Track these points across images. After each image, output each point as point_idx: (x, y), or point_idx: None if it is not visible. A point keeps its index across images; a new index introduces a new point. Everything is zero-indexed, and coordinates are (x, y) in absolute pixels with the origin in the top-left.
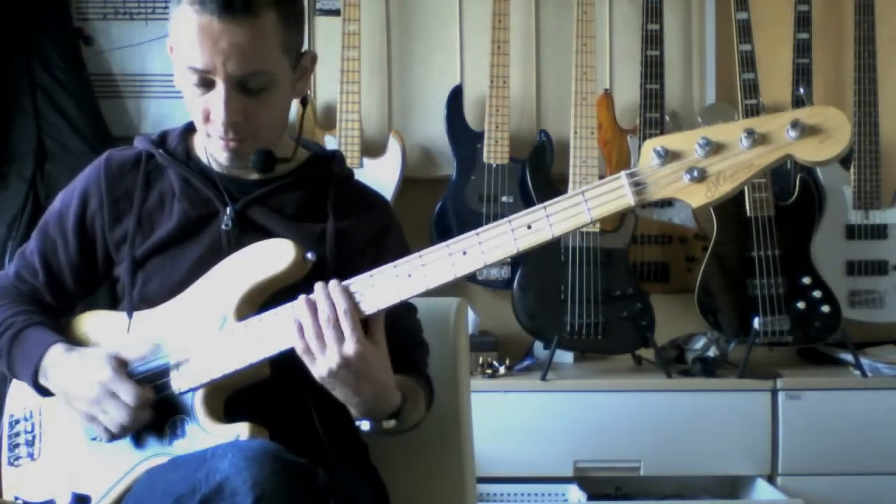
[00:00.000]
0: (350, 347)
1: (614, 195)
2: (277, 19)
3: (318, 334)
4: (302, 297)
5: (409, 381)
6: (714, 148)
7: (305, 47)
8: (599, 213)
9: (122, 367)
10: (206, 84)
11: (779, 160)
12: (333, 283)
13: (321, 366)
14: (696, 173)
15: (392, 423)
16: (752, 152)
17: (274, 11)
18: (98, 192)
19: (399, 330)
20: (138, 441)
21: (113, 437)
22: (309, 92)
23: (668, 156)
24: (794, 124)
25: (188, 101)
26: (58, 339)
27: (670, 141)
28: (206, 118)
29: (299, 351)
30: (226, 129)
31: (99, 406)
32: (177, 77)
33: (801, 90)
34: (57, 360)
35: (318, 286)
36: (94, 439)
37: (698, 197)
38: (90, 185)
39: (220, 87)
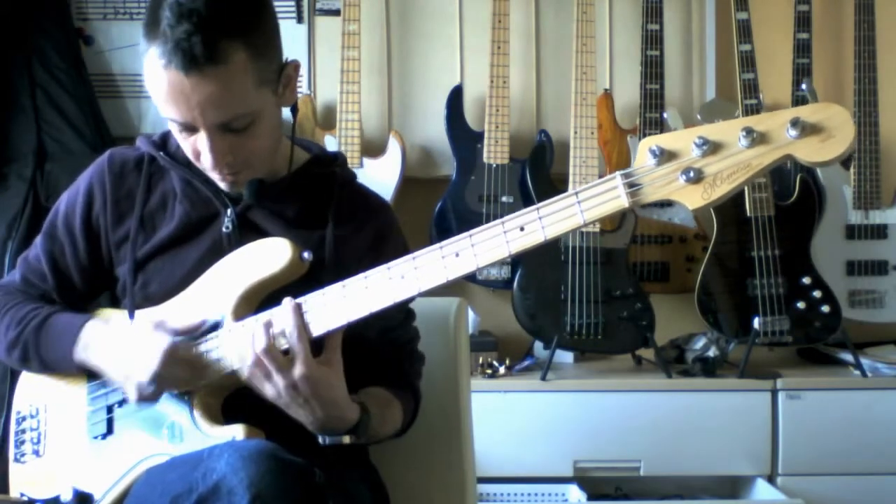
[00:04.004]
0: (297, 371)
1: (608, 196)
2: (248, 58)
3: (257, 362)
4: (247, 321)
5: (384, 395)
6: (711, 147)
7: (286, 56)
8: (593, 215)
9: (160, 325)
10: (189, 129)
11: (778, 160)
12: (286, 302)
13: (268, 389)
14: (692, 174)
15: (350, 438)
16: (750, 152)
17: (242, 51)
18: (102, 192)
19: (390, 340)
20: (138, 441)
21: (146, 397)
22: (310, 92)
23: (664, 155)
24: (795, 123)
25: (177, 138)
26: (92, 315)
27: (666, 140)
28: (197, 157)
29: (244, 377)
30: (218, 169)
31: (138, 362)
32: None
33: (804, 86)
34: (97, 331)
35: (267, 314)
36: (95, 438)
37: (695, 198)
38: (94, 184)
39: (202, 133)
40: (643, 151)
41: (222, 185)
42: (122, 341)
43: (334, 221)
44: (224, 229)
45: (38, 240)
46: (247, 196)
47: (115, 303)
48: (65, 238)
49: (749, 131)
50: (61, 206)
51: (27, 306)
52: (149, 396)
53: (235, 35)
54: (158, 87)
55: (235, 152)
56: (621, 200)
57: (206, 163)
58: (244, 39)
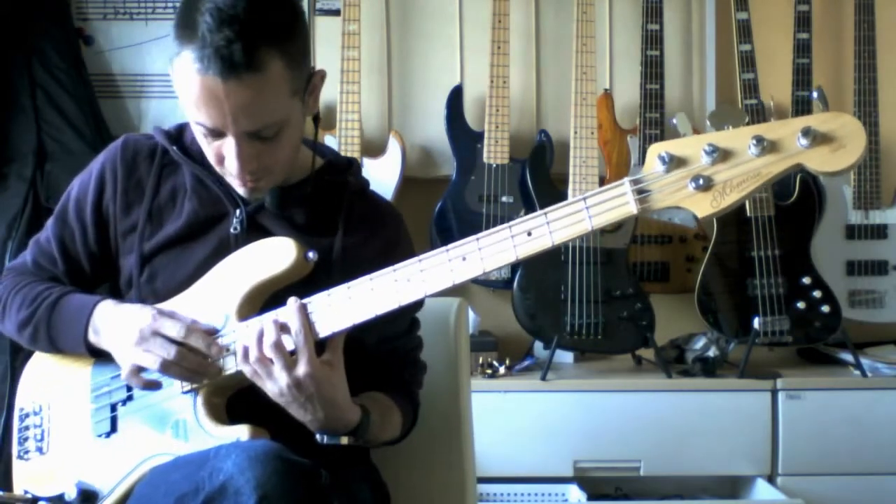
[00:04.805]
0: (300, 369)
1: (617, 202)
2: (283, 66)
3: (261, 359)
4: (251, 321)
5: (385, 401)
6: (721, 155)
7: (312, 65)
8: (601, 222)
9: (166, 314)
10: (217, 134)
11: (788, 170)
12: (291, 302)
13: (271, 387)
14: (701, 181)
15: (349, 439)
16: (760, 160)
17: (279, 59)
18: (113, 179)
19: (393, 348)
20: (142, 439)
21: (149, 386)
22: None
23: (673, 162)
24: (806, 132)
25: (200, 142)
26: (104, 297)
27: (676, 146)
28: (220, 162)
29: (247, 375)
30: (242, 175)
31: (142, 346)
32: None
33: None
34: (107, 314)
35: (273, 313)
36: (99, 436)
37: (703, 206)
38: (106, 170)
39: (230, 139)
40: (652, 157)
41: (241, 191)
42: (134, 326)
43: (344, 230)
44: (232, 230)
45: (50, 223)
46: (268, 204)
47: (115, 296)
48: (75, 223)
49: (759, 139)
50: (73, 190)
51: (40, 286)
52: (152, 385)
53: (274, 43)
54: (191, 91)
55: (261, 159)
56: (630, 207)
57: (230, 168)
58: (281, 48)
